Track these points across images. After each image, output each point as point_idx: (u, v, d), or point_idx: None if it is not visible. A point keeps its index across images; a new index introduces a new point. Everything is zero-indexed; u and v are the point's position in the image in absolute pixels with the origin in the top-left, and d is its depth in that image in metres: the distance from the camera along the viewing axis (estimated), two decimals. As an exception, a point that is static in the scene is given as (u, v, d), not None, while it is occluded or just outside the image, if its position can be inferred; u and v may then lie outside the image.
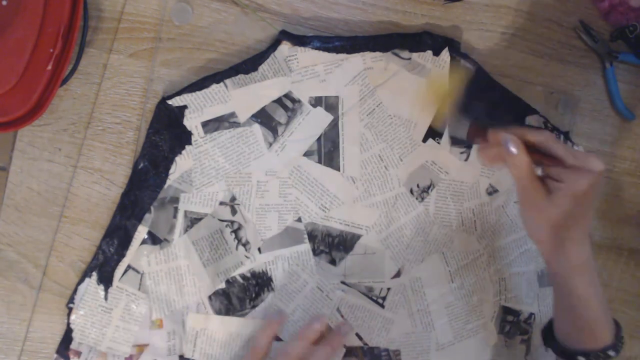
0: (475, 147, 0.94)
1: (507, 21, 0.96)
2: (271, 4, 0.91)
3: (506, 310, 0.96)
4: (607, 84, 0.99)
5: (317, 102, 0.90)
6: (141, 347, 0.88)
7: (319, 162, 0.91)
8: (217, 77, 0.88)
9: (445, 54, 0.92)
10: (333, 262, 0.92)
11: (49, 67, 0.81)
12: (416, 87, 0.92)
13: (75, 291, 0.87)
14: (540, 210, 0.77)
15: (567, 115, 0.98)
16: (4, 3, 0.79)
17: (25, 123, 0.82)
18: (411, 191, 0.93)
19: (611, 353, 0.78)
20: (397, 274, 0.93)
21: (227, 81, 0.88)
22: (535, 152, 0.76)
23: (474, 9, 0.95)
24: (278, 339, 0.91)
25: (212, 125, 0.88)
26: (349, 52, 0.90)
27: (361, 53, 0.91)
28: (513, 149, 0.75)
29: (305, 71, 0.90)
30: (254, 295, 0.90)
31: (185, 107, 0.87)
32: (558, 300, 0.82)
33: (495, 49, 0.96)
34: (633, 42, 0.97)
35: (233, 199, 0.89)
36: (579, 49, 0.99)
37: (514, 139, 0.75)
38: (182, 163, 0.88)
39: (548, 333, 0.85)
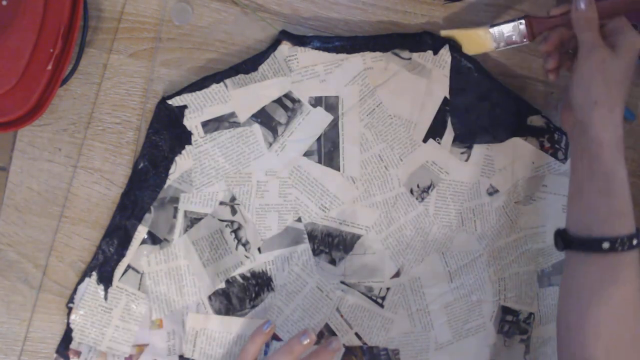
0: (476, 146, 0.94)
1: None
2: (271, 4, 0.91)
3: (505, 310, 0.96)
4: (607, 83, 0.99)
5: (317, 102, 0.90)
6: (141, 347, 0.88)
7: (319, 162, 0.91)
8: (217, 77, 0.88)
9: (445, 54, 0.92)
10: (333, 262, 0.92)
11: (49, 67, 0.81)
12: (416, 87, 0.92)
13: (75, 291, 0.87)
14: (606, 66, 0.78)
15: (567, 115, 0.98)
16: (4, 3, 0.79)
17: (25, 123, 0.82)
18: (411, 191, 0.93)
19: (635, 242, 0.77)
20: (397, 274, 0.93)
21: (227, 81, 0.88)
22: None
23: (474, 9, 0.95)
24: (278, 339, 0.91)
25: (212, 125, 0.88)
26: (349, 52, 0.90)
27: (361, 53, 0.91)
28: (582, 5, 0.79)
29: (305, 71, 0.90)
30: (253, 295, 0.90)
31: (185, 107, 0.87)
32: (585, 182, 0.81)
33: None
34: (633, 42, 0.97)
35: (233, 199, 0.89)
36: (579, 48, 0.99)
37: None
38: (182, 163, 0.88)
39: (563, 235, 0.83)
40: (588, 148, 0.80)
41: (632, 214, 0.78)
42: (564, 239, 0.83)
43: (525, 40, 0.89)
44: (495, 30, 0.89)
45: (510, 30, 0.88)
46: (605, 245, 0.77)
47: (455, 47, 0.93)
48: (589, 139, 0.80)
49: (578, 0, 0.78)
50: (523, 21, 0.88)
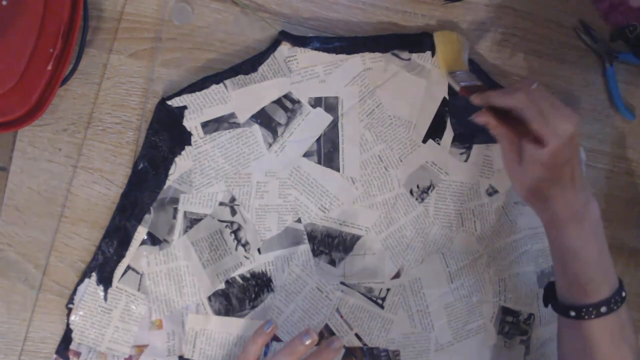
0: (475, 146, 0.94)
1: (507, 21, 0.96)
2: (271, 4, 0.91)
3: (505, 311, 0.96)
4: (607, 84, 0.99)
5: (316, 102, 0.90)
6: (141, 348, 0.88)
7: (319, 162, 0.91)
8: (217, 77, 0.88)
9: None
10: (333, 262, 0.92)
11: (49, 67, 0.81)
12: (416, 88, 0.92)
13: (74, 292, 0.87)
14: (516, 175, 0.81)
15: (567, 115, 0.98)
16: (4, 3, 0.79)
17: (25, 123, 0.82)
18: (411, 192, 0.93)
19: (603, 309, 0.78)
20: (397, 275, 0.93)
21: (227, 82, 0.88)
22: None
23: (474, 9, 0.95)
24: (277, 339, 0.91)
25: (212, 125, 0.88)
26: (348, 53, 0.90)
27: (361, 54, 0.91)
28: (482, 122, 0.82)
29: (305, 72, 0.90)
30: (253, 295, 0.90)
31: (185, 107, 0.87)
32: (552, 254, 0.83)
33: (495, 49, 0.96)
34: (633, 42, 0.97)
35: (233, 199, 0.89)
36: (579, 49, 0.99)
37: (483, 120, 0.82)
38: (181, 164, 0.88)
39: (550, 291, 0.85)
40: (544, 226, 0.84)
41: (604, 277, 0.79)
42: (548, 296, 0.86)
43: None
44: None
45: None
46: (572, 313, 0.80)
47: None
48: (540, 219, 0.84)
49: (479, 119, 0.83)
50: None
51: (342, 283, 0.92)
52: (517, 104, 0.77)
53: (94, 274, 0.87)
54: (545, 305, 0.86)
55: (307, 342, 0.82)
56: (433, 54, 0.92)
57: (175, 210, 0.88)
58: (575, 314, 0.79)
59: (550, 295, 0.85)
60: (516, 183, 0.82)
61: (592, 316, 0.78)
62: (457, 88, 0.88)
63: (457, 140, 0.94)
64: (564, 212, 0.79)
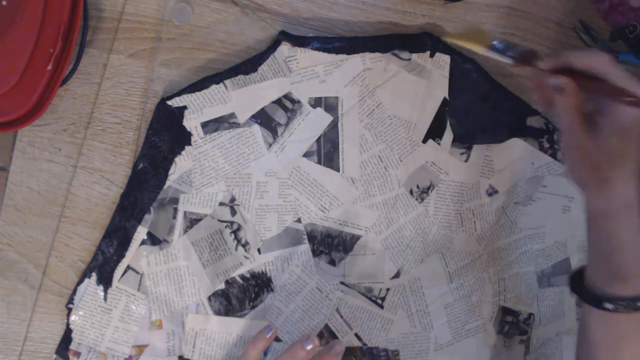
0: (475, 147, 0.94)
1: (507, 21, 0.96)
2: (271, 4, 0.91)
3: (505, 311, 0.96)
4: (607, 84, 0.99)
5: (316, 102, 0.90)
6: (140, 348, 0.88)
7: (319, 162, 0.91)
8: (217, 77, 0.88)
9: (442, 56, 0.92)
10: (332, 262, 0.92)
11: (49, 67, 0.81)
12: (416, 88, 0.92)
13: (74, 292, 0.87)
14: (584, 152, 0.75)
15: (567, 115, 0.98)
16: (4, 3, 0.79)
17: (25, 123, 0.82)
18: (411, 192, 0.93)
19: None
20: (397, 275, 0.93)
21: (227, 82, 0.88)
22: (587, 77, 0.74)
23: (474, 9, 0.95)
24: (277, 339, 0.91)
25: (212, 125, 0.88)
26: (348, 53, 0.90)
27: (361, 54, 0.91)
28: (559, 92, 0.75)
29: (305, 72, 0.90)
30: (253, 295, 0.90)
31: (185, 107, 0.87)
32: (593, 242, 0.79)
33: (495, 49, 0.96)
34: (633, 42, 0.97)
35: (232, 199, 0.89)
36: (579, 49, 0.99)
37: (563, 82, 0.74)
38: (181, 164, 0.88)
39: (576, 280, 0.81)
40: (591, 215, 0.79)
41: None
42: (577, 284, 0.82)
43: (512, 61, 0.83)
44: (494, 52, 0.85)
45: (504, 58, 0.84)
46: (608, 306, 0.76)
47: (452, 47, 0.93)
48: (589, 207, 0.79)
49: (555, 87, 0.75)
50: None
51: (342, 283, 0.92)
52: (604, 65, 0.73)
53: (93, 274, 0.87)
54: (573, 293, 0.82)
55: (309, 348, 0.82)
56: (432, 55, 0.92)
57: (175, 210, 0.88)
58: (613, 306, 0.75)
59: (577, 284, 0.81)
60: (576, 164, 0.77)
61: (631, 309, 0.75)
62: (508, 60, 0.82)
63: (457, 141, 0.93)
64: (619, 200, 0.75)
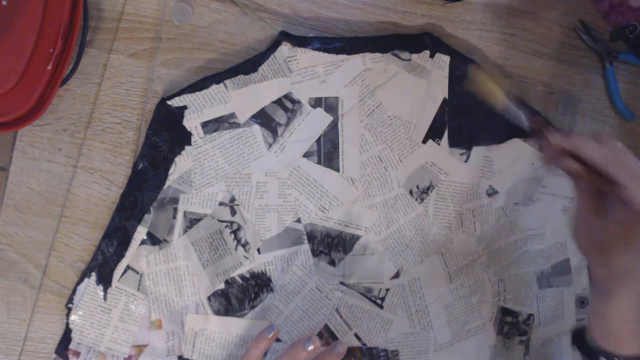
0: (475, 147, 0.94)
1: (507, 21, 0.96)
2: (271, 4, 0.91)
3: (505, 311, 0.96)
4: (607, 84, 0.99)
5: (316, 103, 0.90)
6: (140, 348, 0.88)
7: (319, 163, 0.91)
8: (217, 77, 0.88)
9: (442, 56, 0.92)
10: (332, 262, 0.92)
11: (49, 67, 0.81)
12: (416, 88, 0.92)
13: (74, 292, 0.87)
14: (587, 229, 0.77)
15: (567, 115, 0.98)
16: (4, 3, 0.79)
17: (25, 123, 0.82)
18: (411, 192, 0.93)
19: None
20: (396, 275, 0.93)
21: (227, 82, 0.88)
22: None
23: (474, 9, 0.95)
24: (277, 339, 0.91)
25: (212, 125, 0.88)
26: (348, 53, 0.90)
27: (361, 54, 0.91)
28: (568, 169, 0.74)
29: (305, 72, 0.90)
30: (253, 295, 0.90)
31: (185, 107, 0.87)
32: (594, 301, 0.81)
33: (495, 49, 0.96)
34: (633, 42, 0.97)
35: (232, 199, 0.89)
36: (579, 49, 0.99)
37: (573, 169, 0.74)
38: (181, 164, 0.88)
39: (578, 335, 0.83)
40: (593, 280, 0.81)
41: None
42: (578, 339, 0.83)
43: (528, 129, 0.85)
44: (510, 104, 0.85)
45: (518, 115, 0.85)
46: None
47: (454, 50, 0.93)
48: (591, 274, 0.81)
49: (567, 168, 0.75)
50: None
51: (341, 283, 0.92)
52: (608, 161, 0.71)
53: (93, 274, 0.87)
54: (574, 347, 0.84)
55: (310, 349, 0.82)
56: (432, 55, 0.92)
57: (175, 210, 0.88)
58: None
59: (578, 339, 0.83)
60: (581, 236, 0.78)
61: None
62: (524, 125, 0.84)
63: (456, 141, 0.93)
64: (620, 269, 0.76)
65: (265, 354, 0.89)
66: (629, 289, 0.77)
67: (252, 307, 0.90)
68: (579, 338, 0.83)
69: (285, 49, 0.89)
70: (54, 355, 0.88)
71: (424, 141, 0.93)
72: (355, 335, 0.92)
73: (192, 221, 0.89)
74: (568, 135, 0.75)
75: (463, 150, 0.94)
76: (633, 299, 0.77)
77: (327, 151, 0.91)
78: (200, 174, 0.88)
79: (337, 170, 0.91)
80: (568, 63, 0.98)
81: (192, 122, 0.88)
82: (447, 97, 0.93)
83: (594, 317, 0.81)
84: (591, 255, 0.79)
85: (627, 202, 0.70)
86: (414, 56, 0.92)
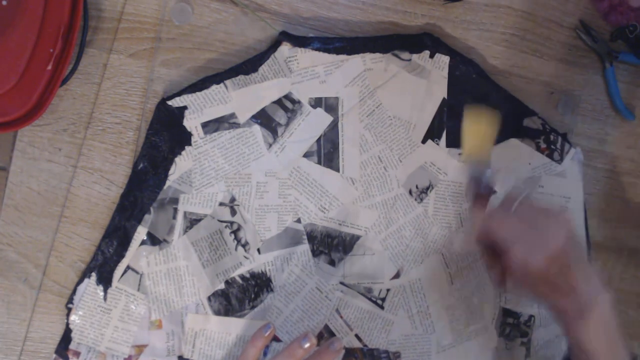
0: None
1: (507, 21, 0.96)
2: (271, 4, 0.91)
3: (506, 313, 0.96)
4: (607, 84, 0.99)
5: (317, 103, 0.90)
6: (140, 348, 0.88)
7: (319, 163, 0.91)
8: (217, 77, 0.88)
9: (442, 57, 0.92)
10: (332, 262, 0.92)
11: (49, 67, 0.81)
12: (416, 88, 0.92)
13: (74, 292, 0.87)
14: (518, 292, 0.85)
15: (567, 115, 0.98)
16: (4, 3, 0.79)
17: (25, 123, 0.82)
18: (410, 192, 0.93)
19: None
20: (397, 275, 0.93)
21: (227, 82, 0.88)
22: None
23: (474, 9, 0.95)
24: (277, 340, 0.91)
25: (212, 126, 0.88)
26: (349, 53, 0.90)
27: (361, 54, 0.91)
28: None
29: (305, 72, 0.90)
30: (253, 296, 0.90)
31: (185, 107, 0.87)
32: (569, 349, 0.82)
33: (495, 49, 0.96)
34: (633, 42, 0.98)
35: (232, 199, 0.89)
36: (579, 49, 0.99)
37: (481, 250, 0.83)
38: (181, 164, 0.88)
39: None
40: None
41: None
42: None
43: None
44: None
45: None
46: None
47: (451, 48, 0.93)
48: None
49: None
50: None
51: (341, 283, 0.92)
52: (498, 238, 0.78)
53: (93, 274, 0.87)
54: None
55: (306, 346, 0.82)
56: (432, 55, 0.92)
57: (175, 210, 0.88)
58: None
59: None
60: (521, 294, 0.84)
61: None
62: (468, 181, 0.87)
63: (454, 142, 0.94)
64: (571, 308, 0.77)
65: (265, 354, 0.89)
66: (587, 324, 0.77)
67: (252, 307, 0.90)
68: None
69: (285, 49, 0.89)
70: (54, 355, 0.88)
71: (424, 141, 0.93)
72: (356, 336, 0.92)
73: (192, 221, 0.89)
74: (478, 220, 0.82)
75: (462, 151, 0.94)
76: (598, 331, 0.77)
77: (327, 151, 0.91)
78: (200, 174, 0.88)
79: (337, 170, 0.91)
80: (568, 63, 0.98)
81: (192, 122, 0.88)
82: (446, 97, 0.93)
83: (572, 347, 0.81)
84: (539, 302, 0.87)
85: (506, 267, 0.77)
86: (414, 56, 0.92)
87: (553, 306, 0.79)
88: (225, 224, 0.89)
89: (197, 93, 0.88)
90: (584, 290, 0.76)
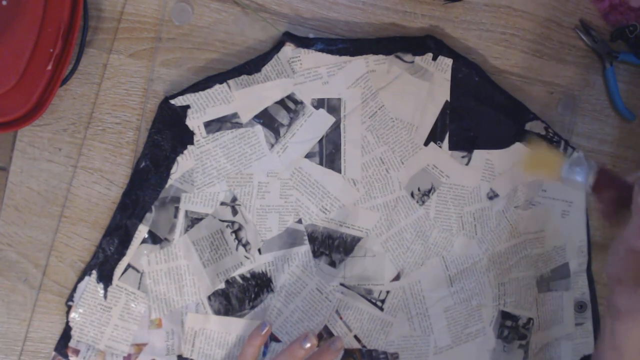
0: (476, 150, 0.94)
1: (507, 21, 0.96)
2: (271, 4, 0.90)
3: (505, 315, 0.96)
4: (607, 84, 0.99)
5: (319, 104, 0.90)
6: (140, 346, 0.89)
7: (321, 164, 0.91)
8: (220, 77, 0.88)
9: (445, 59, 0.92)
10: (333, 264, 0.92)
11: (49, 67, 0.81)
12: (418, 90, 0.92)
13: (74, 289, 0.87)
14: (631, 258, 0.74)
15: (567, 115, 0.98)
16: (4, 3, 0.78)
17: (25, 123, 0.82)
18: (412, 194, 0.93)
19: None
20: (397, 277, 0.94)
21: (230, 82, 0.88)
22: None
23: (474, 9, 0.95)
24: (277, 340, 0.91)
25: (215, 125, 0.88)
26: (352, 55, 0.90)
27: (364, 56, 0.90)
28: None
29: (308, 73, 0.89)
30: (253, 296, 0.91)
31: (188, 107, 0.87)
32: (609, 335, 0.76)
33: (495, 49, 0.96)
34: (633, 42, 0.98)
35: (234, 199, 0.89)
36: (579, 49, 0.99)
37: None
38: (183, 163, 0.88)
39: None
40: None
41: None
42: None
43: (589, 190, 0.79)
44: (568, 165, 0.79)
45: (580, 172, 0.79)
46: None
47: (456, 53, 0.93)
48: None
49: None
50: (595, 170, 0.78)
51: (341, 284, 0.92)
52: None
53: (94, 272, 0.87)
54: None
55: (307, 346, 0.82)
56: (435, 58, 0.92)
57: (177, 209, 0.88)
58: None
59: None
60: (618, 262, 0.75)
61: None
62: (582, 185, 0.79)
63: (458, 144, 0.94)
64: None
65: (265, 354, 0.90)
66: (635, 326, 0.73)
67: (252, 307, 0.91)
68: None
69: (288, 49, 0.89)
70: (54, 353, 0.88)
71: (426, 143, 0.93)
72: (355, 337, 0.93)
73: (194, 220, 0.89)
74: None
75: (464, 153, 0.94)
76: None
77: (329, 152, 0.91)
78: (202, 174, 0.88)
79: (339, 171, 0.91)
80: (568, 63, 0.98)
81: (194, 122, 0.88)
82: (449, 99, 0.93)
83: (608, 348, 0.77)
84: (622, 286, 0.74)
85: None
86: (417, 58, 0.92)
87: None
88: (226, 224, 0.90)
89: (200, 92, 0.87)
90: None
